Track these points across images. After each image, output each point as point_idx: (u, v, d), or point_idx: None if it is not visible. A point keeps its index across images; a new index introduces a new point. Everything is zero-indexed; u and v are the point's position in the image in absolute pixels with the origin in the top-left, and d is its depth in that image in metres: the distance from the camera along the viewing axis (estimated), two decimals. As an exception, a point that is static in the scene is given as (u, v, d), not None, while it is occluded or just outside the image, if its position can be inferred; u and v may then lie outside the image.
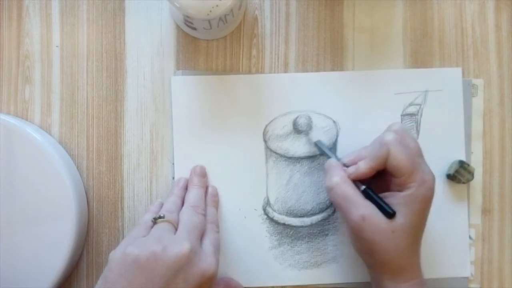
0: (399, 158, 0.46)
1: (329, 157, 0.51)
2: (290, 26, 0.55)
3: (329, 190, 0.48)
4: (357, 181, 0.48)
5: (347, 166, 0.49)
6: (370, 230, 0.45)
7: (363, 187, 0.47)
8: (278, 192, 0.54)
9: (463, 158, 0.54)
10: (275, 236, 0.54)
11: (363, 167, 0.47)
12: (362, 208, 0.46)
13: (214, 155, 0.54)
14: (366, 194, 0.47)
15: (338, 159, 0.50)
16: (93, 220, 0.54)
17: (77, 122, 0.54)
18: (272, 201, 0.54)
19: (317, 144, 0.53)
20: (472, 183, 0.54)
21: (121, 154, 0.54)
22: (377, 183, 0.48)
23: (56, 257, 0.50)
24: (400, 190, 0.46)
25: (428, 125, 0.54)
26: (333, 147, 0.54)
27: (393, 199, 0.46)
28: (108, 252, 0.54)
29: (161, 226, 0.45)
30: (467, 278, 0.55)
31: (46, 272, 0.50)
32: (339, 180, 0.47)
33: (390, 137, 0.46)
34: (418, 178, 0.46)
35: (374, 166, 0.47)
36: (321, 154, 0.53)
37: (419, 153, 0.48)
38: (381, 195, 0.47)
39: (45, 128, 0.54)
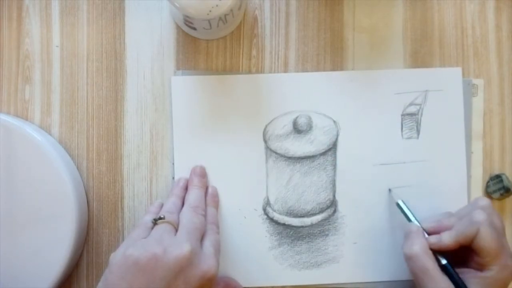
0: (488, 240, 0.45)
1: (409, 220, 0.50)
2: (290, 26, 0.55)
3: (408, 258, 0.47)
4: (437, 251, 0.47)
5: (427, 232, 0.48)
6: None
7: (444, 261, 0.46)
8: (278, 192, 0.54)
9: (463, 158, 0.54)
10: (275, 236, 0.54)
11: (447, 240, 0.46)
12: (439, 284, 0.45)
13: (214, 155, 0.54)
14: (445, 269, 0.46)
15: (419, 223, 0.49)
16: (93, 220, 0.54)
17: (77, 122, 0.54)
18: (272, 201, 0.54)
19: (399, 205, 0.51)
20: (472, 183, 0.54)
21: (121, 154, 0.54)
22: (454, 253, 0.47)
23: (56, 257, 0.50)
24: (479, 269, 0.45)
25: (428, 125, 0.54)
26: (334, 147, 0.54)
27: (471, 277, 0.45)
28: (108, 252, 0.54)
29: (161, 227, 0.45)
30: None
31: (46, 272, 0.50)
32: (420, 251, 0.46)
33: (481, 217, 0.45)
34: (502, 261, 0.45)
35: (459, 241, 0.46)
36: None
37: (503, 233, 0.47)
38: (458, 270, 0.46)
39: (45, 128, 0.54)
